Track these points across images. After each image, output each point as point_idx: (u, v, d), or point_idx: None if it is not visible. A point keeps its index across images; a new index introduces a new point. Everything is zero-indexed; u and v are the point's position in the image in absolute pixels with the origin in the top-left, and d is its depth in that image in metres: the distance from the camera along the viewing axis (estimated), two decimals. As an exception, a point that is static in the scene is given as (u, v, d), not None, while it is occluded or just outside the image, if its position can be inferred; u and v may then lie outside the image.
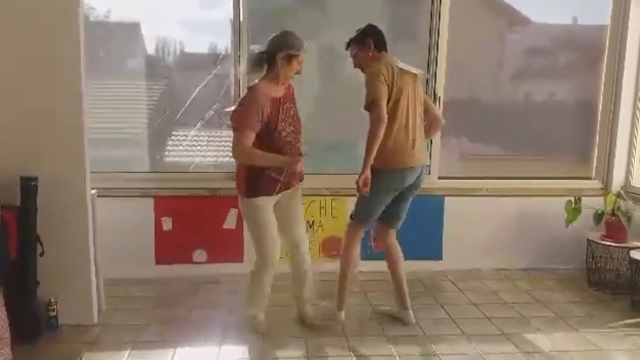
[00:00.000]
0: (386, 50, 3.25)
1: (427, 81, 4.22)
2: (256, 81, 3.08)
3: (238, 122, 2.97)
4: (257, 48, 3.17)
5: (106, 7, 4.14)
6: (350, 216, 3.39)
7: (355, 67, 3.29)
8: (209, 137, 4.53)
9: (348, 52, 3.31)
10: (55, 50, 3.12)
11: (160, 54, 4.48)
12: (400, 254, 3.47)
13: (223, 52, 4.34)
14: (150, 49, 4.43)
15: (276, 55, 3.00)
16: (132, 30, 4.40)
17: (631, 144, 4.57)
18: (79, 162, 3.23)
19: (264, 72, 3.07)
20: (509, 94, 4.88)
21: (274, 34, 3.05)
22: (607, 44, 4.57)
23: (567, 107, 4.78)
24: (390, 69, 3.13)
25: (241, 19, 4.09)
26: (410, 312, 3.46)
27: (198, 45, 4.49)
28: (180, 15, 4.29)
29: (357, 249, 3.42)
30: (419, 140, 3.26)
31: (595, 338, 3.32)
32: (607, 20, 4.57)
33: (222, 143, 4.52)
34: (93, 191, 3.38)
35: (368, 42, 3.21)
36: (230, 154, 3.14)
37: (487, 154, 4.79)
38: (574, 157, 4.81)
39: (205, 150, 4.51)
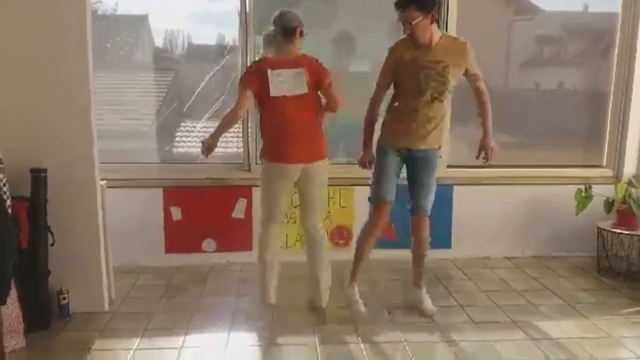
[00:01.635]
0: None
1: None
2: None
3: (240, 80, 3.23)
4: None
5: (114, 0, 4.15)
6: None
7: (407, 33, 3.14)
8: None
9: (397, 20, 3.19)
10: (63, 43, 3.13)
11: (167, 46, 4.52)
12: (423, 241, 3.43)
13: (230, 44, 4.34)
14: (158, 42, 4.48)
15: (296, 30, 3.15)
16: (139, 22, 4.43)
17: (643, 132, 4.53)
18: (88, 154, 3.25)
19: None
20: (519, 82, 4.86)
21: (282, 13, 3.16)
22: (618, 31, 4.52)
23: (578, 95, 4.77)
24: None
25: (247, 10, 4.10)
26: (423, 290, 3.47)
27: (206, 37, 4.53)
28: (187, 7, 4.30)
29: (371, 229, 3.37)
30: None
31: (605, 325, 3.30)
32: (617, 8, 4.51)
33: (230, 134, 4.53)
34: (102, 182, 3.40)
35: (433, 13, 3.12)
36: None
37: (497, 142, 4.70)
38: (585, 145, 4.79)
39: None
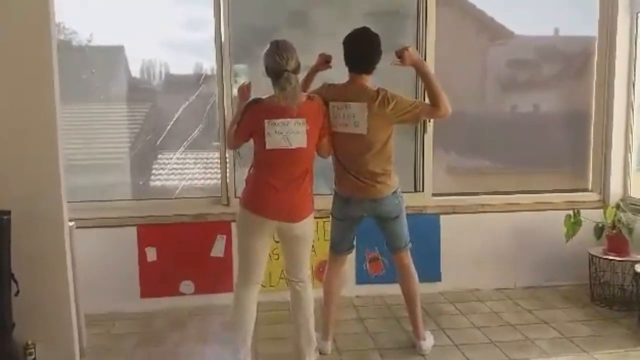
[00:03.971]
0: None
1: (415, 96, 4.09)
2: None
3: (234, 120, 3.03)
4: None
5: (88, 32, 4.03)
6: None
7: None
8: (195, 159, 4.41)
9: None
10: (26, 76, 2.91)
11: (144, 77, 4.39)
12: (407, 275, 3.28)
13: (208, 72, 4.21)
14: (134, 72, 4.34)
15: (298, 69, 2.87)
16: (115, 53, 4.28)
17: (626, 154, 4.48)
18: (54, 194, 3.01)
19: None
20: (500, 107, 4.79)
21: (278, 49, 2.83)
22: (597, 53, 4.50)
23: (560, 118, 4.70)
24: None
25: (222, 39, 3.96)
26: (421, 342, 3.30)
27: (182, 66, 4.38)
28: (164, 37, 4.16)
29: (332, 275, 3.33)
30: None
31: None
32: (591, 31, 4.51)
33: (209, 164, 4.40)
34: (71, 223, 3.17)
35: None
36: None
37: (479, 168, 4.71)
38: (569, 169, 4.72)
39: (191, 174, 4.38)
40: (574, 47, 4.70)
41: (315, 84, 3.26)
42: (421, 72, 3.08)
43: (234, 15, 4.00)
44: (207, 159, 4.39)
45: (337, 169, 3.17)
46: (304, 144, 2.86)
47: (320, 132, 2.97)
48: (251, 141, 2.95)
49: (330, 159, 3.18)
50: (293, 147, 2.84)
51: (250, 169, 3.00)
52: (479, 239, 4.27)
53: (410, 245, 3.26)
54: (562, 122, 4.69)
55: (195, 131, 4.22)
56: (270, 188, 2.87)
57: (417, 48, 4.16)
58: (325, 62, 3.24)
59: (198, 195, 4.21)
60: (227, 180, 4.07)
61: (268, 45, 2.89)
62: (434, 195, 4.31)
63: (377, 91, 3.00)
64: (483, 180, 4.63)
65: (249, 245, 2.95)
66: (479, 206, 4.34)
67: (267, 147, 2.84)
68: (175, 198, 4.16)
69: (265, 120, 2.82)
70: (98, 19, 3.91)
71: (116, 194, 4.17)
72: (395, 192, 3.14)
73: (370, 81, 3.07)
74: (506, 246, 4.34)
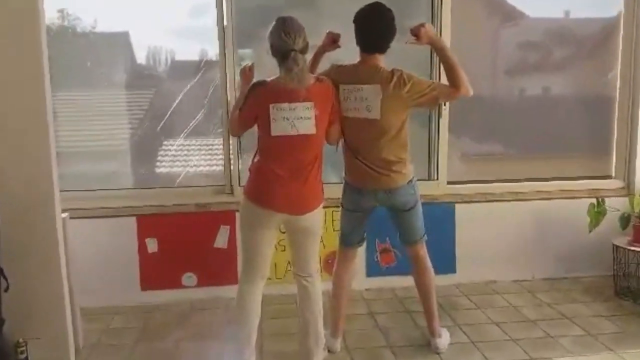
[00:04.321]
0: None
1: (430, 77, 3.85)
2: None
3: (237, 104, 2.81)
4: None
5: (93, 17, 3.84)
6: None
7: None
8: (198, 146, 4.22)
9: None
10: (15, 62, 2.73)
11: (149, 63, 4.20)
12: (422, 269, 3.08)
13: (206, 58, 4.04)
14: (138, 59, 4.15)
15: (306, 48, 2.66)
16: (119, 39, 4.10)
17: (653, 138, 4.22)
18: (46, 183, 2.83)
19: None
20: (515, 90, 4.55)
21: (284, 27, 2.61)
22: (622, 34, 4.24)
23: (580, 101, 4.45)
24: None
25: (225, 22, 3.74)
26: (437, 340, 3.10)
27: (187, 53, 4.18)
28: (169, 23, 3.96)
29: (342, 269, 3.13)
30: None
31: (634, 359, 2.96)
32: (613, 12, 4.28)
33: (212, 151, 4.20)
34: (64, 214, 2.99)
35: None
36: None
37: (494, 154, 4.47)
38: (590, 155, 4.45)
39: (194, 162, 4.19)
40: (594, 28, 4.45)
41: (322, 65, 3.04)
42: (439, 50, 2.85)
43: None
44: (211, 145, 4.19)
45: (347, 156, 2.96)
46: (312, 130, 2.65)
47: (330, 118, 2.75)
48: (255, 127, 2.74)
49: (339, 146, 2.97)
50: (300, 133, 2.63)
51: (254, 157, 2.80)
52: (496, 229, 4.05)
53: (425, 237, 3.06)
54: (582, 105, 4.44)
55: (198, 116, 4.04)
56: (276, 178, 2.67)
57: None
58: (333, 41, 3.01)
59: (201, 183, 4.02)
60: (231, 168, 3.87)
61: (274, 23, 2.67)
62: (449, 183, 4.09)
63: (392, 72, 2.77)
64: (499, 167, 4.40)
65: (253, 240, 2.76)
66: (496, 194, 4.11)
67: (273, 133, 2.63)
68: (177, 187, 3.97)
69: (271, 105, 2.61)
70: (102, 4, 3.75)
71: (116, 182, 3.98)
72: (410, 181, 2.93)
73: (384, 61, 2.85)
74: (524, 236, 4.12)
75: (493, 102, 4.38)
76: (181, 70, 4.23)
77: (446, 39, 3.84)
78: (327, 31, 3.02)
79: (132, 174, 4.14)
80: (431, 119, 4.03)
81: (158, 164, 4.21)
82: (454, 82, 2.78)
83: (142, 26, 3.89)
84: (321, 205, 2.81)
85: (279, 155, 2.69)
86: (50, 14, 3.40)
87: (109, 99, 4.11)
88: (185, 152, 4.20)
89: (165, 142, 4.19)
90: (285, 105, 2.61)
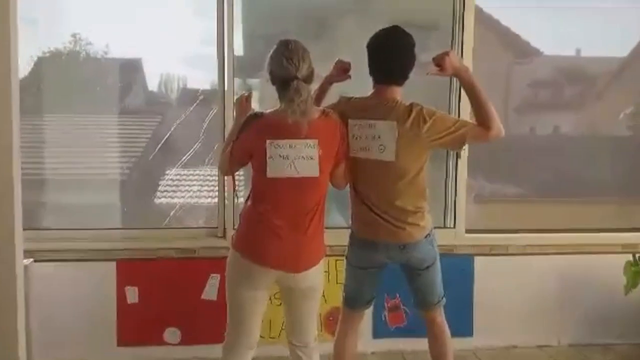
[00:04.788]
0: None
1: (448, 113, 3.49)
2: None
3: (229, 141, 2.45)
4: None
5: (104, 43, 3.66)
6: None
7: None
8: (195, 177, 3.90)
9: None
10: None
11: (154, 90, 4.00)
12: (439, 336, 2.67)
13: (204, 88, 3.79)
14: (147, 85, 3.96)
15: (311, 76, 2.32)
16: (129, 65, 3.90)
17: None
18: (6, 224, 2.46)
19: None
20: (537, 128, 4.29)
21: (285, 51, 2.28)
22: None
23: (612, 141, 4.18)
24: None
25: (226, 51, 3.40)
26: None
27: (197, 81, 3.95)
28: (180, 51, 3.75)
29: (345, 334, 2.70)
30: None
31: None
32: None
33: (205, 187, 3.86)
34: (27, 261, 2.61)
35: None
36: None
37: (513, 195, 4.13)
38: (622, 201, 4.08)
39: (184, 198, 3.84)
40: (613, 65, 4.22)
41: (329, 99, 2.68)
42: (466, 83, 2.46)
43: (247, 26, 3.57)
44: (204, 180, 3.86)
45: (355, 204, 2.56)
46: (315, 172, 2.28)
47: (336, 158, 2.37)
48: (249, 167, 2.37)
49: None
50: (301, 175, 2.26)
51: (246, 201, 2.42)
52: (518, 286, 3.64)
53: (444, 300, 2.64)
54: (617, 146, 4.15)
55: (195, 146, 3.72)
56: (271, 228, 2.29)
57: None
58: (343, 71, 2.65)
59: (191, 224, 3.65)
60: (225, 208, 3.47)
61: (275, 46, 2.31)
62: (467, 232, 3.68)
63: (410, 107, 2.40)
64: (516, 210, 4.08)
65: (241, 301, 2.36)
66: (519, 246, 3.70)
67: (269, 174, 2.26)
68: (163, 228, 3.58)
69: (267, 141, 2.24)
70: (115, 31, 3.55)
71: (99, 218, 3.61)
72: (429, 235, 2.52)
73: (401, 95, 2.47)
74: (550, 295, 3.70)
75: (508, 140, 4.02)
76: (187, 98, 3.95)
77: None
78: (337, 59, 2.66)
79: (118, 209, 3.76)
80: (448, 159, 3.64)
81: (147, 198, 3.88)
82: (484, 121, 2.39)
83: (154, 53, 3.72)
84: (323, 259, 2.42)
85: (276, 201, 2.30)
86: (64, 38, 3.42)
87: (109, 125, 3.85)
88: (180, 184, 3.89)
89: (158, 173, 3.88)
90: (285, 142, 2.24)
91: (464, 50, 3.56)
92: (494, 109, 2.40)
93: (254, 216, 2.34)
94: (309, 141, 2.25)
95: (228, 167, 2.46)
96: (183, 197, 3.84)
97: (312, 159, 2.26)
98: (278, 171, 2.25)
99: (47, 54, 3.61)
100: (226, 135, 3.11)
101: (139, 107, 3.93)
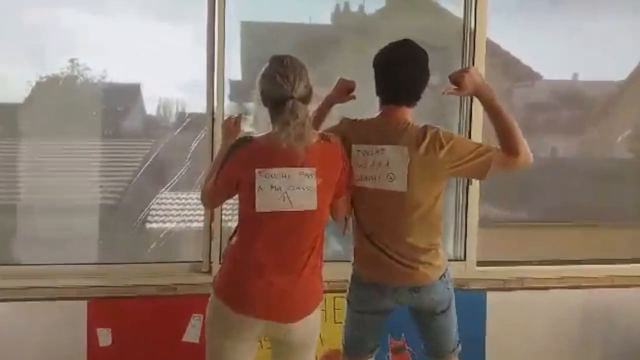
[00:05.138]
0: None
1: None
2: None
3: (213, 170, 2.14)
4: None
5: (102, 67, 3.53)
6: None
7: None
8: (174, 209, 3.63)
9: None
10: None
11: (152, 114, 3.85)
12: None
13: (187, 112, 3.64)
14: (145, 110, 3.81)
15: (309, 97, 2.03)
16: (127, 90, 3.80)
17: None
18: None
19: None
20: (548, 150, 4.11)
21: (280, 68, 1.99)
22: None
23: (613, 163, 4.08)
24: None
25: (216, 74, 3.12)
26: None
27: (195, 106, 3.68)
28: (180, 77, 3.58)
29: None
30: None
31: None
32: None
33: (191, 214, 3.58)
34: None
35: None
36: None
37: (520, 220, 3.97)
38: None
39: (168, 227, 3.53)
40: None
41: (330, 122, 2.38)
42: (488, 103, 2.14)
43: (245, 50, 3.40)
44: (189, 207, 3.58)
45: (359, 240, 2.23)
46: (312, 205, 1.97)
47: (337, 188, 2.06)
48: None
49: (349, 223, 2.27)
50: (296, 209, 1.95)
51: (232, 237, 2.09)
52: (536, 324, 3.32)
53: (459, 348, 2.30)
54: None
55: (181, 171, 3.44)
56: (259, 270, 1.97)
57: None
58: (346, 91, 2.35)
59: (173, 257, 3.31)
60: (212, 240, 3.12)
61: (267, 63, 2.02)
62: (479, 264, 3.34)
63: (424, 129, 2.08)
64: (525, 236, 3.85)
65: (223, 354, 2.02)
66: (537, 280, 3.37)
67: (258, 208, 1.95)
68: (142, 262, 3.21)
69: (257, 170, 1.93)
70: (114, 56, 3.41)
71: (62, 255, 3.23)
72: (444, 275, 2.19)
73: (412, 116, 2.15)
74: (570, 333, 3.39)
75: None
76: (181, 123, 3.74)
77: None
78: (339, 78, 2.34)
79: (94, 241, 3.43)
80: (458, 186, 3.32)
81: (127, 228, 3.50)
82: (511, 146, 2.07)
83: (152, 79, 3.58)
84: (320, 305, 2.09)
85: (266, 238, 1.99)
86: (61, 63, 3.39)
87: (94, 150, 3.63)
88: (166, 211, 3.62)
89: (142, 200, 3.54)
90: (277, 170, 1.94)
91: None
92: (520, 132, 2.07)
93: (240, 256, 2.02)
94: (306, 169, 1.95)
95: (211, 199, 2.14)
96: (166, 227, 3.53)
97: (309, 189, 1.95)
98: (269, 204, 1.94)
99: (44, 79, 3.50)
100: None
101: (133, 131, 3.78)
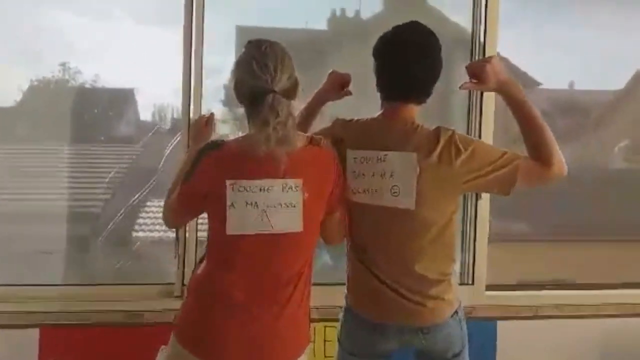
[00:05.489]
0: None
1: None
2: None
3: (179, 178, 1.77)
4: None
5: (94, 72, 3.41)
6: None
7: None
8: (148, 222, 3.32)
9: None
10: None
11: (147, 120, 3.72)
12: None
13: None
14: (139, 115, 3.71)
15: (295, 89, 1.64)
16: (120, 95, 3.73)
17: None
18: None
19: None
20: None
21: (275, 55, 1.61)
22: None
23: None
24: None
25: (193, 77, 2.78)
26: None
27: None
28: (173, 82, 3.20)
29: None
30: None
31: None
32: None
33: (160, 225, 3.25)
34: None
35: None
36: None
37: (521, 234, 3.77)
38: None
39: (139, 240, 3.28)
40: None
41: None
42: (514, 101, 1.75)
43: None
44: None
45: (354, 267, 1.85)
46: (297, 226, 1.60)
47: (329, 204, 1.69)
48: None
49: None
50: (278, 231, 1.58)
51: (198, 266, 1.71)
52: (551, 357, 2.94)
53: None
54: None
55: (155, 177, 3.18)
56: (233, 307, 1.60)
57: (469, 98, 2.94)
58: (339, 85, 1.98)
59: (144, 277, 2.92)
60: (186, 262, 2.72)
61: (243, 49, 1.64)
62: (488, 289, 2.96)
63: (437, 132, 1.71)
64: (530, 252, 3.63)
65: None
66: (549, 306, 2.99)
67: (230, 230, 1.57)
68: (104, 284, 2.81)
69: (228, 182, 1.55)
70: (107, 60, 3.29)
71: (20, 272, 2.88)
72: (456, 312, 1.82)
73: (418, 116, 1.78)
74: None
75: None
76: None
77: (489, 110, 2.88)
78: (330, 71, 1.97)
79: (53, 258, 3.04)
80: (466, 202, 2.95)
81: (86, 247, 3.23)
82: (542, 154, 1.70)
83: (146, 83, 3.46)
84: (306, 351, 1.71)
85: (240, 268, 1.61)
86: (52, 68, 3.33)
87: (86, 154, 3.48)
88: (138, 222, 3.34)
89: (112, 211, 3.25)
90: (254, 183, 1.56)
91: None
92: (553, 137, 1.70)
93: (208, 288, 1.65)
94: (290, 181, 1.57)
95: (174, 217, 1.75)
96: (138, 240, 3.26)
97: (293, 206, 1.58)
98: (243, 225, 1.57)
99: (35, 83, 3.43)
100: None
101: (123, 137, 3.65)
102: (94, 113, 3.54)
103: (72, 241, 3.16)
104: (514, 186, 1.71)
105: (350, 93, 1.99)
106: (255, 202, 1.55)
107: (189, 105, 2.75)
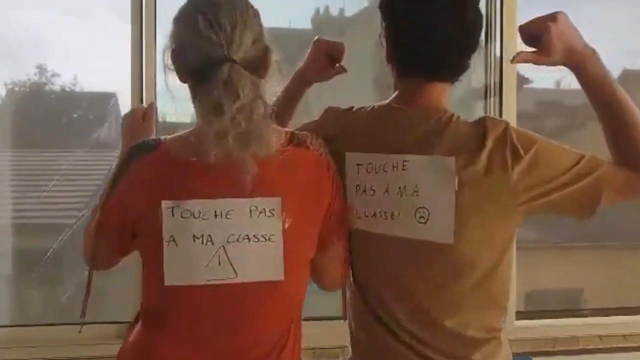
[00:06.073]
0: None
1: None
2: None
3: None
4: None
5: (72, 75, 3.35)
6: None
7: None
8: None
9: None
10: None
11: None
12: None
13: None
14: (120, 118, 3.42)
15: (267, 58, 1.14)
16: (100, 98, 3.59)
17: None
18: None
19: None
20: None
21: (231, 6, 1.10)
22: None
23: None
24: None
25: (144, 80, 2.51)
26: None
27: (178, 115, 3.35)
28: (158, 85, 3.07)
29: None
30: None
31: None
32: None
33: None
34: None
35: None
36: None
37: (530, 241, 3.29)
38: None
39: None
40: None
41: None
42: (591, 79, 1.22)
43: None
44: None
45: (363, 321, 1.31)
46: (275, 273, 1.09)
47: (323, 232, 1.17)
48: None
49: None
50: (244, 280, 1.07)
51: (132, 326, 1.22)
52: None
53: None
54: None
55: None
56: None
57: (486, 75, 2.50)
58: (329, 57, 1.47)
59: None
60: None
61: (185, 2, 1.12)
62: (518, 317, 2.48)
63: (483, 125, 1.18)
64: (544, 258, 3.26)
65: None
66: (592, 337, 2.51)
67: (169, 280, 1.06)
68: (57, 324, 2.31)
69: (165, 204, 1.04)
70: (85, 63, 3.13)
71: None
72: None
73: (447, 100, 1.26)
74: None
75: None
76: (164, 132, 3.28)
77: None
78: (315, 38, 1.47)
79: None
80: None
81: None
82: (636, 157, 1.17)
83: (128, 86, 3.08)
84: None
85: (186, 336, 1.11)
86: (28, 70, 3.28)
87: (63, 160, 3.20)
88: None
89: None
90: (205, 205, 1.05)
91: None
92: None
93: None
94: (262, 202, 1.06)
95: (94, 256, 1.22)
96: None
97: (269, 240, 1.06)
98: (191, 272, 1.06)
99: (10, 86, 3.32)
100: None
101: (105, 142, 3.40)
102: (73, 117, 3.37)
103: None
104: (598, 205, 1.18)
105: (344, 70, 1.46)
106: (209, 236, 1.04)
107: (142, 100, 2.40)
